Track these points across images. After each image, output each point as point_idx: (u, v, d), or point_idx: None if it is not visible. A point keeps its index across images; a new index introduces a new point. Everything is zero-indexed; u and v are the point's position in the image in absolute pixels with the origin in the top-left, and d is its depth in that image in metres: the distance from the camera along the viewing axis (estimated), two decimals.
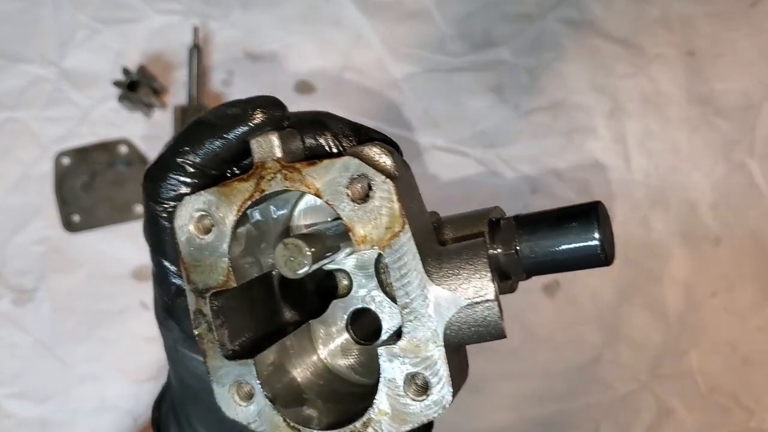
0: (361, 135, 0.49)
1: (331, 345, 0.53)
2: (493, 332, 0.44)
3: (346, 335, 0.53)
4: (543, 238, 0.49)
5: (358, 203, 0.43)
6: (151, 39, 1.19)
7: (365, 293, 0.51)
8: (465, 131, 1.17)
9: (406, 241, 0.42)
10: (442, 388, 0.43)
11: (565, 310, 1.15)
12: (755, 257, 1.15)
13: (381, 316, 0.51)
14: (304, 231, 0.52)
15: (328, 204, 0.44)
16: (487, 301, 0.43)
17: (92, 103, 1.17)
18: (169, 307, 0.51)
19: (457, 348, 0.45)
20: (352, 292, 0.52)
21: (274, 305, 0.52)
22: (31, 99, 1.17)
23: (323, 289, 0.54)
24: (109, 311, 1.12)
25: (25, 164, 1.15)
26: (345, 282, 0.53)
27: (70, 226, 1.14)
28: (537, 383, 1.14)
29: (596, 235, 0.49)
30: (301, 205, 0.52)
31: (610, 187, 1.16)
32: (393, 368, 0.44)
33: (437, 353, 0.43)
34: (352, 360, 0.53)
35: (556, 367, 1.14)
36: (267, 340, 0.49)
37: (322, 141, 0.48)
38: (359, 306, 0.52)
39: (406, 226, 0.42)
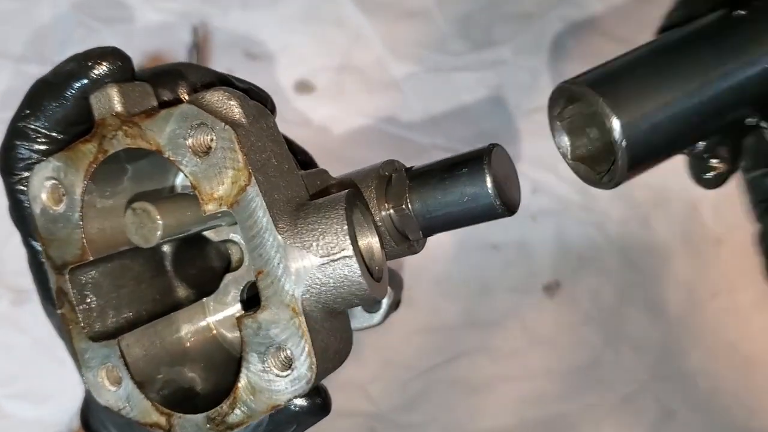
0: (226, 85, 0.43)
1: (221, 315, 0.48)
2: (358, 293, 0.39)
3: (238, 307, 0.48)
4: (434, 189, 0.44)
5: (201, 157, 0.38)
6: (150, 38, 1.19)
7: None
8: (465, 131, 1.16)
9: (254, 195, 0.37)
10: (305, 361, 0.38)
11: (566, 311, 1.14)
12: (756, 258, 1.15)
13: None
14: (182, 192, 0.46)
15: (171, 160, 0.39)
16: (344, 257, 0.38)
17: None
18: (46, 292, 0.46)
19: (328, 315, 0.40)
20: (246, 265, 0.47)
21: (165, 284, 0.47)
22: None
23: (225, 265, 0.49)
24: None
25: None
26: (237, 253, 0.48)
27: None
28: (537, 384, 1.13)
29: (487, 180, 0.43)
30: None
31: None
32: (255, 342, 0.39)
33: (297, 321, 0.38)
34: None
35: (557, 367, 1.14)
36: (152, 319, 0.45)
37: (179, 95, 0.43)
38: (252, 279, 0.47)
39: (253, 179, 0.37)
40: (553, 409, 1.13)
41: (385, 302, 0.56)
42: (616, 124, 0.42)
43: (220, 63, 1.18)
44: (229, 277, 0.48)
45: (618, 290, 1.14)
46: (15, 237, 1.27)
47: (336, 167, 0.53)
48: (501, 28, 1.19)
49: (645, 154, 0.44)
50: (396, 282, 0.59)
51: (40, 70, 1.23)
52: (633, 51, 0.47)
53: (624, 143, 0.42)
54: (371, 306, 0.55)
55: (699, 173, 0.48)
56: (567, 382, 1.13)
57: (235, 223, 0.45)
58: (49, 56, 1.17)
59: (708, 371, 1.13)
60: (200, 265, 0.48)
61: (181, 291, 0.48)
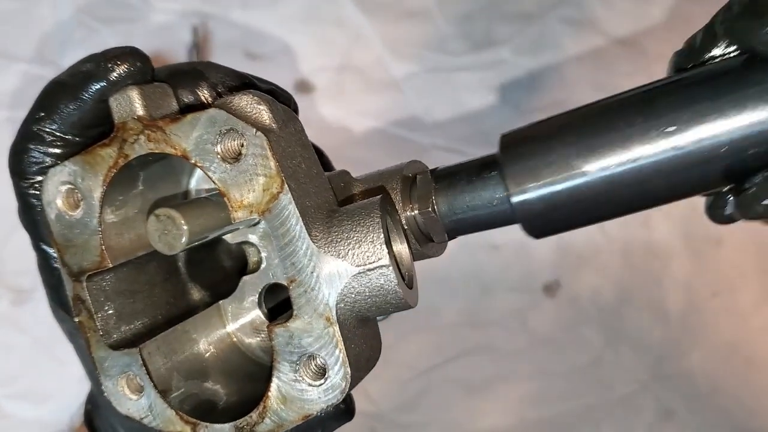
0: (248, 85, 0.42)
1: (240, 321, 0.47)
2: (394, 302, 0.38)
3: (257, 312, 0.46)
4: (461, 191, 0.43)
5: (231, 163, 0.37)
6: (151, 38, 1.19)
7: (278, 267, 0.43)
8: (466, 130, 1.16)
9: (287, 203, 0.36)
10: (339, 370, 0.37)
11: (566, 311, 1.14)
12: (756, 257, 1.15)
13: None
14: (197, 197, 0.45)
15: (198, 166, 0.37)
16: (381, 267, 0.37)
17: None
18: (57, 296, 0.45)
19: (360, 323, 0.39)
20: (264, 267, 0.45)
21: (178, 286, 0.46)
22: (29, 99, 1.16)
23: (241, 265, 0.47)
24: None
25: None
26: (255, 255, 0.46)
27: None
28: (537, 384, 1.13)
29: None
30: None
31: None
32: (287, 350, 0.38)
33: (331, 330, 0.37)
34: (263, 338, 0.46)
35: (557, 367, 1.14)
36: (169, 324, 0.43)
37: (200, 95, 0.41)
38: (271, 282, 0.45)
39: (286, 186, 0.36)
40: (553, 409, 1.13)
41: None
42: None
43: (219, 63, 1.18)
44: (246, 279, 0.46)
45: (618, 290, 1.14)
46: (15, 237, 1.27)
47: (336, 167, 0.53)
48: (501, 28, 1.19)
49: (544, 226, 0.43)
50: None
51: (40, 70, 1.23)
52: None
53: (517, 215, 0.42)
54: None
55: (712, 209, 0.45)
56: (567, 382, 1.13)
57: (253, 225, 0.44)
58: (50, 56, 1.17)
59: (708, 371, 1.13)
60: (212, 267, 0.47)
61: (195, 293, 0.47)
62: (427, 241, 0.46)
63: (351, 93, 1.17)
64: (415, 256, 0.46)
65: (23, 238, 1.26)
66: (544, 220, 0.42)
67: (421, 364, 1.14)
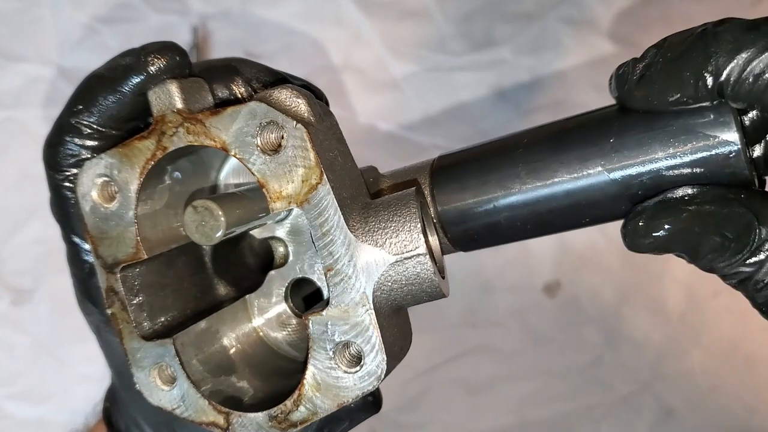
0: (282, 82, 0.42)
1: (266, 316, 0.48)
2: (429, 290, 0.39)
3: (283, 306, 0.47)
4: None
5: (270, 155, 0.38)
6: (151, 38, 1.18)
7: (304, 261, 0.45)
8: (466, 130, 1.16)
9: (326, 194, 0.37)
10: (375, 357, 0.38)
11: (566, 311, 1.14)
12: None
13: (322, 285, 0.46)
14: (226, 191, 0.46)
15: (237, 158, 0.38)
16: (418, 255, 0.38)
17: None
18: (86, 289, 0.46)
19: (393, 311, 0.40)
20: (291, 261, 0.47)
21: (205, 280, 0.47)
22: (29, 98, 1.16)
23: (263, 260, 0.48)
24: None
25: (23, 164, 1.14)
26: (281, 250, 0.47)
27: None
28: (538, 384, 1.13)
29: None
30: (232, 160, 0.46)
31: None
32: (323, 338, 0.38)
33: (368, 318, 0.38)
34: (288, 333, 0.47)
35: (557, 367, 1.14)
36: (197, 317, 0.44)
37: (235, 90, 0.42)
38: (298, 276, 0.46)
39: (324, 178, 0.37)
40: (553, 409, 1.13)
41: None
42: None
43: None
44: (272, 274, 0.47)
45: (618, 290, 1.14)
46: (15, 236, 1.26)
47: None
48: (501, 28, 1.19)
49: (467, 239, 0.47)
50: None
51: (40, 70, 1.23)
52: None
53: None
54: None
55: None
56: (567, 382, 1.13)
57: (282, 220, 0.45)
58: (50, 56, 1.17)
59: (708, 371, 1.13)
60: (236, 262, 0.48)
61: (221, 288, 0.48)
62: None
63: (351, 93, 1.17)
64: (446, 249, 0.48)
65: (24, 238, 1.26)
66: (464, 237, 0.46)
67: (422, 364, 1.14)
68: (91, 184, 0.42)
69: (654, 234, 0.39)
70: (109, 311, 0.42)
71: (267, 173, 0.38)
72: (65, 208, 0.44)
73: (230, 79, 0.42)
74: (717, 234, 0.38)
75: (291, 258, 0.47)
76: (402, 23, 1.19)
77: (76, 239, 0.45)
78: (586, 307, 1.14)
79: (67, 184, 0.43)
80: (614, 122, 0.42)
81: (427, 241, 0.38)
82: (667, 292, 1.15)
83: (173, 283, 0.44)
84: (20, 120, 1.16)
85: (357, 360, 0.38)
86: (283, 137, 0.37)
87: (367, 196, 0.42)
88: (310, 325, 0.39)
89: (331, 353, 0.38)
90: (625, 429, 1.13)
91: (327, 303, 0.39)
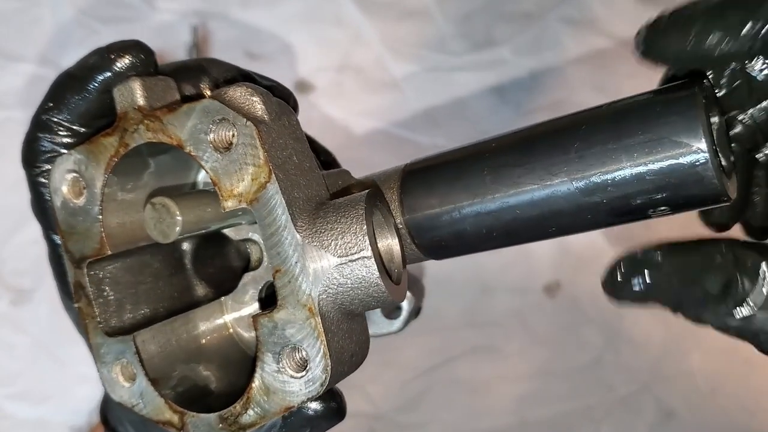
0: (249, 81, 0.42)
1: (238, 314, 0.47)
2: (376, 295, 0.38)
3: (256, 306, 0.47)
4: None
5: (222, 152, 0.37)
6: (150, 38, 1.18)
7: None
8: (466, 130, 1.16)
9: (274, 193, 0.37)
10: (320, 362, 0.37)
11: (566, 311, 1.14)
12: None
13: None
14: (205, 189, 0.45)
15: (192, 156, 0.38)
16: (362, 258, 0.37)
17: None
18: (65, 286, 0.46)
19: (345, 317, 0.39)
20: (265, 264, 0.46)
21: (183, 282, 0.46)
22: (29, 99, 1.16)
23: (245, 265, 0.48)
24: None
25: None
26: (256, 254, 0.47)
27: None
28: (537, 384, 1.13)
29: None
30: None
31: None
32: (270, 341, 0.38)
33: (313, 322, 0.37)
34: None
35: (557, 367, 1.14)
36: (170, 317, 0.44)
37: (202, 89, 0.42)
38: (272, 279, 0.45)
39: (273, 176, 0.37)
40: (553, 409, 1.13)
41: (405, 309, 0.56)
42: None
43: None
44: (248, 276, 0.47)
45: None
46: (15, 236, 1.27)
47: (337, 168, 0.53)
48: (501, 28, 1.19)
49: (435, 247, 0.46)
50: (418, 289, 0.59)
51: (40, 70, 1.23)
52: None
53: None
54: (389, 309, 0.55)
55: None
56: (567, 382, 1.13)
57: (255, 222, 0.45)
58: (50, 56, 1.17)
59: (708, 371, 1.13)
60: (219, 264, 0.48)
61: (200, 289, 0.47)
62: None
63: (351, 93, 1.17)
64: (413, 257, 0.47)
65: (23, 238, 1.26)
66: (432, 245, 0.45)
67: (422, 365, 1.14)
68: (61, 179, 0.42)
69: (632, 290, 0.39)
70: (76, 306, 0.43)
71: (219, 171, 0.38)
72: (42, 205, 0.45)
73: (198, 79, 0.43)
74: (698, 288, 0.37)
75: (265, 261, 0.47)
76: (402, 23, 1.19)
77: (54, 236, 0.45)
78: (586, 308, 1.14)
79: (42, 180, 0.44)
80: (581, 126, 0.40)
81: (373, 245, 0.38)
82: None
83: (148, 281, 0.44)
84: (20, 120, 1.16)
85: (303, 364, 0.37)
86: (234, 135, 0.37)
87: (326, 198, 0.41)
88: (259, 327, 0.38)
89: (278, 356, 0.38)
90: (625, 429, 1.13)
91: (277, 305, 0.38)
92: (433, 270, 1.14)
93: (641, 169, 0.38)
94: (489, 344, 1.14)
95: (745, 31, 0.36)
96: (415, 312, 0.57)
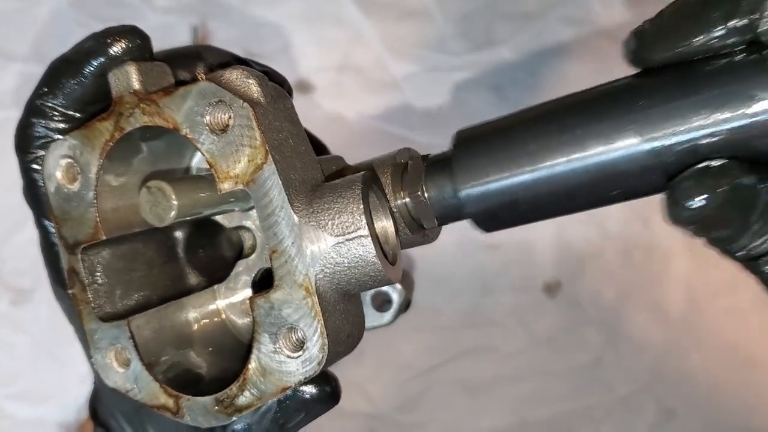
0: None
1: (230, 301, 0.48)
2: (373, 275, 0.38)
3: (248, 292, 0.47)
4: (453, 178, 0.44)
5: (218, 134, 0.37)
6: (150, 38, 1.19)
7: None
8: None
9: (271, 174, 0.37)
10: (317, 341, 0.37)
11: (566, 311, 1.14)
12: None
13: None
14: (199, 174, 0.45)
15: (188, 138, 0.38)
16: (359, 236, 0.37)
17: None
18: (56, 273, 0.45)
19: (342, 297, 0.39)
20: (258, 252, 0.46)
21: (177, 270, 0.46)
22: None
23: (239, 252, 0.48)
24: None
25: None
26: (250, 242, 0.47)
27: None
28: (538, 384, 1.13)
29: None
30: None
31: None
32: (267, 322, 0.38)
33: (310, 301, 0.37)
34: (251, 321, 0.45)
35: (557, 367, 1.14)
36: (162, 303, 0.44)
37: (197, 75, 0.43)
38: (265, 266, 0.46)
39: (270, 158, 0.37)
40: (553, 409, 1.13)
41: (396, 301, 0.56)
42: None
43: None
44: (241, 263, 0.47)
45: (618, 290, 1.14)
46: (15, 237, 1.27)
47: None
48: (501, 28, 1.19)
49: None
50: (407, 282, 0.59)
51: (39, 70, 1.22)
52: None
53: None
54: (380, 302, 0.55)
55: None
56: (567, 382, 1.13)
57: (249, 209, 0.45)
58: (49, 56, 1.17)
59: (708, 371, 1.13)
60: (212, 253, 0.48)
61: (193, 278, 0.47)
62: (418, 227, 0.46)
63: (351, 93, 1.17)
64: (407, 241, 0.47)
65: (23, 238, 1.26)
66: (490, 215, 0.43)
67: (421, 364, 1.14)
68: (55, 165, 0.42)
69: (694, 206, 0.36)
70: (69, 292, 0.43)
71: (216, 153, 0.38)
72: (35, 191, 0.45)
73: (193, 64, 0.43)
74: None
75: (258, 249, 0.47)
76: (402, 23, 1.19)
77: (46, 223, 0.45)
78: (586, 307, 1.14)
79: (35, 166, 0.44)
80: (642, 87, 0.39)
81: (370, 223, 0.38)
82: (668, 292, 1.15)
83: (142, 269, 0.44)
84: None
85: (300, 344, 0.38)
86: (230, 117, 0.37)
87: (321, 180, 0.41)
88: (255, 308, 0.38)
89: (275, 337, 0.38)
90: (625, 429, 1.13)
91: (273, 285, 0.38)
92: (433, 269, 1.14)
93: (711, 128, 0.37)
94: (489, 344, 1.14)
95: (727, 30, 0.36)
96: (405, 305, 0.57)
